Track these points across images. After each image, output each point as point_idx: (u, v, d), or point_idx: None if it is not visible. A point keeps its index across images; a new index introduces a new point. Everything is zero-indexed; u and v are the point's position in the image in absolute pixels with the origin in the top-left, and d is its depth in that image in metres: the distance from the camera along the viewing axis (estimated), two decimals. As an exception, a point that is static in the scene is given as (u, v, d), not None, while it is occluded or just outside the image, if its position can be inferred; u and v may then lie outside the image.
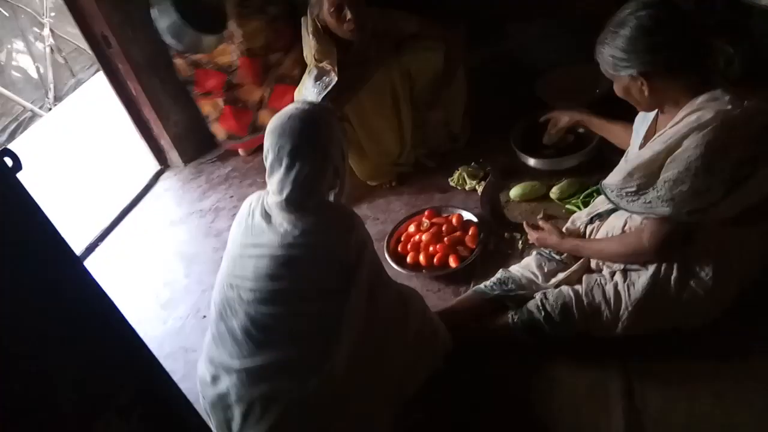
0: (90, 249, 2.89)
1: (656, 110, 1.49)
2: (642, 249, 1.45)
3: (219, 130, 3.13)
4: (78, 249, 2.83)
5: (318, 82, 2.30)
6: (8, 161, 0.95)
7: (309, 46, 2.35)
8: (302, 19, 2.38)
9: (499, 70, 2.99)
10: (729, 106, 1.28)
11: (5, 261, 0.91)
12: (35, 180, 3.87)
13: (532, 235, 1.79)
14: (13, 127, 5.53)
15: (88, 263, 2.80)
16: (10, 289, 0.91)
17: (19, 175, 0.96)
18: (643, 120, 1.57)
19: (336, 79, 2.27)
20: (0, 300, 0.89)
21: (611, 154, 1.85)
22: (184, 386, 1.99)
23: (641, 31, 1.34)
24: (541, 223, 1.80)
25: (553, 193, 2.17)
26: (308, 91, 2.34)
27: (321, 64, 2.31)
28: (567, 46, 2.61)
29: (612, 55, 1.39)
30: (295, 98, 2.47)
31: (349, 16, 2.21)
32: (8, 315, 0.90)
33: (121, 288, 2.56)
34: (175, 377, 2.12)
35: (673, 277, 1.45)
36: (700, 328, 1.52)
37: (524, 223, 1.86)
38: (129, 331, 1.13)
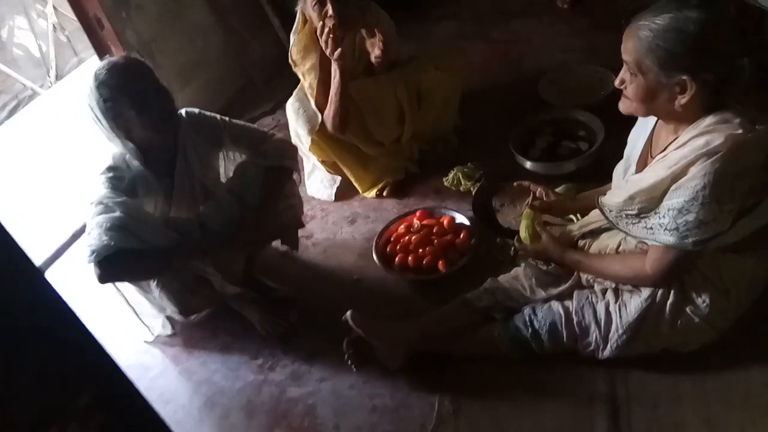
0: (67, 245, 2.78)
1: (654, 121, 1.40)
2: (644, 275, 1.36)
3: None
4: (56, 244, 2.72)
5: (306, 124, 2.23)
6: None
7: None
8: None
9: (503, 68, 2.91)
10: (739, 130, 1.17)
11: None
12: (26, 161, 3.83)
13: (528, 249, 1.67)
14: (12, 104, 5.46)
15: (63, 259, 2.68)
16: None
17: None
18: (640, 132, 1.48)
19: (317, 112, 2.18)
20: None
21: (611, 160, 1.77)
22: (161, 383, 1.95)
23: (711, 29, 1.13)
24: (541, 233, 1.66)
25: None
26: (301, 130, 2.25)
27: (297, 68, 2.20)
28: (574, 46, 2.54)
29: (667, 48, 1.16)
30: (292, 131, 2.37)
31: (330, 12, 1.98)
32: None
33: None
34: (151, 373, 2.06)
35: (669, 303, 1.37)
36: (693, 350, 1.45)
37: (516, 239, 1.75)
38: (85, 335, 1.08)
